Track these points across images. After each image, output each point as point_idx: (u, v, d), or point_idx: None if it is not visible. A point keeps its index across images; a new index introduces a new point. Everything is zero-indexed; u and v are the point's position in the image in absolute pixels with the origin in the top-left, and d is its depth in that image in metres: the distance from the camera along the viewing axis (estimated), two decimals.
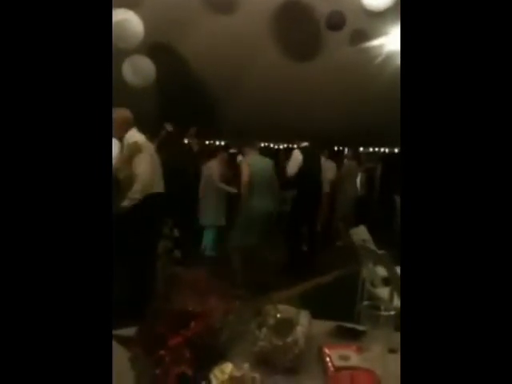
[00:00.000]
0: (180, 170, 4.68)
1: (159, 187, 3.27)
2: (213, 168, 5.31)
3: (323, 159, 5.46)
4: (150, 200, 3.12)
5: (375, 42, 5.47)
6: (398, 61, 5.26)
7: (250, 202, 4.05)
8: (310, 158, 5.02)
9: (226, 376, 0.83)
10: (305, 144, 5.10)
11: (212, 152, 5.89)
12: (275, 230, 4.96)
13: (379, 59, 5.54)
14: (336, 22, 4.87)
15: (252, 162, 4.13)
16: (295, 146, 5.33)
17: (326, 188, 5.52)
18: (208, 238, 5.40)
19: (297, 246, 5.09)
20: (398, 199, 6.45)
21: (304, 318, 1.09)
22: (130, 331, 0.93)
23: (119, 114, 3.16)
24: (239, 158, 6.17)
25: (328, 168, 5.57)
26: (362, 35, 5.44)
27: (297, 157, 4.98)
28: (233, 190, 5.19)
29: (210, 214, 5.31)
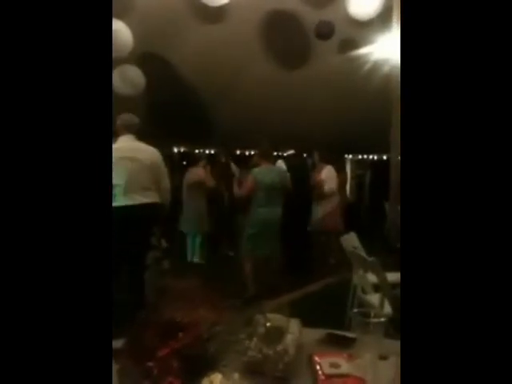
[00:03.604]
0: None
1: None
2: (198, 174, 5.30)
3: (327, 168, 5.48)
4: (138, 210, 3.10)
5: (363, 51, 5.53)
6: (385, 69, 5.32)
7: (257, 212, 4.05)
8: (302, 165, 5.08)
9: None
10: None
11: (197, 160, 5.90)
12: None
13: (367, 67, 5.60)
14: (325, 31, 4.93)
15: (258, 174, 4.06)
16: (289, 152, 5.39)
17: (329, 197, 5.51)
18: (192, 245, 5.38)
19: (291, 251, 5.09)
20: (387, 206, 6.48)
21: (294, 326, 1.09)
22: (118, 343, 0.92)
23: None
24: (232, 166, 6.18)
25: (330, 177, 5.58)
26: (350, 44, 5.50)
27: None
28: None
29: (191, 220, 5.29)
